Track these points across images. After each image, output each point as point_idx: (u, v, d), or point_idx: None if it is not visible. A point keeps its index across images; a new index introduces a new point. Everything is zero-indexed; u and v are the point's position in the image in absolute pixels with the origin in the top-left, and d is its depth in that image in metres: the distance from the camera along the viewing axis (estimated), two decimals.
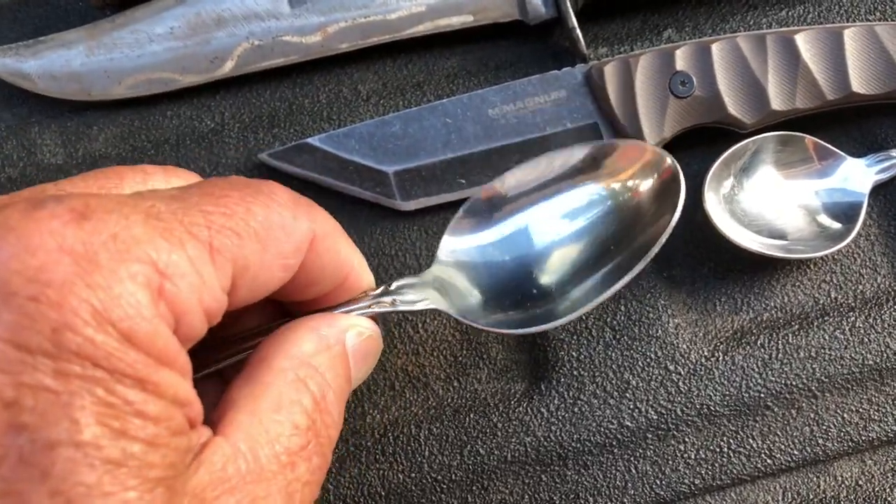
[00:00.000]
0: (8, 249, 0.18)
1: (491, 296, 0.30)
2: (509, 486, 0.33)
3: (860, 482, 0.33)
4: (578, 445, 0.33)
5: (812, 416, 0.34)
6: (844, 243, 0.34)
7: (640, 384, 0.34)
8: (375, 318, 0.28)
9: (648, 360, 0.34)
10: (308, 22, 0.36)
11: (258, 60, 0.37)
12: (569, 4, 0.36)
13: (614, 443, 0.33)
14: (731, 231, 0.33)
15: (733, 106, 0.35)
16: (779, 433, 0.33)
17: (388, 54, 0.38)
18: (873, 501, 0.33)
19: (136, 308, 0.18)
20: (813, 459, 0.33)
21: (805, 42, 0.35)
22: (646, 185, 0.30)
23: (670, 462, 0.33)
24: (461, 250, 0.30)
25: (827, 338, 0.34)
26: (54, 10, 0.38)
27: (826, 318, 0.35)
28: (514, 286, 0.30)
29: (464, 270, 0.30)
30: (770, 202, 0.35)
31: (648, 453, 0.33)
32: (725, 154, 0.34)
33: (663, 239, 0.28)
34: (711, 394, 0.34)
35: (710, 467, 0.33)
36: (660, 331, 0.34)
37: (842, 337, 0.34)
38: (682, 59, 0.35)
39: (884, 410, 0.34)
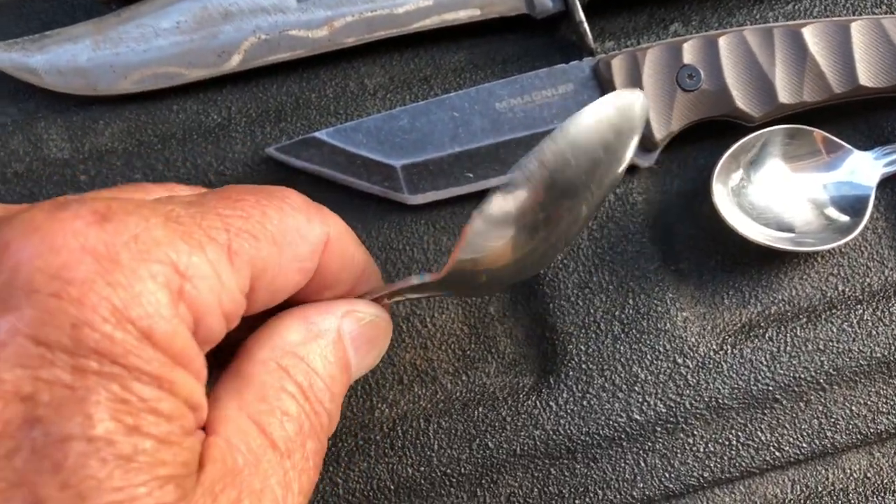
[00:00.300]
0: (32, 248, 0.18)
1: None
2: (518, 480, 0.33)
3: (869, 474, 0.33)
4: (587, 439, 0.33)
5: (820, 408, 0.34)
6: (852, 236, 0.34)
7: (649, 377, 0.34)
8: (382, 301, 0.28)
9: (657, 353, 0.34)
10: (315, 16, 0.36)
11: (265, 55, 0.37)
12: None
13: (623, 436, 0.33)
14: (740, 224, 0.33)
15: (741, 99, 0.35)
16: (787, 426, 0.33)
17: (395, 48, 0.38)
18: (882, 493, 0.33)
19: (156, 307, 0.19)
20: (821, 452, 0.33)
21: (812, 35, 0.35)
22: None
23: (679, 455, 0.33)
24: None
25: (835, 331, 0.34)
26: (60, 5, 0.38)
27: (834, 310, 0.35)
28: None
29: None
30: (778, 195, 0.35)
31: (657, 446, 0.33)
32: (734, 147, 0.34)
33: None
34: (720, 387, 0.34)
35: (719, 460, 0.33)
36: (668, 324, 0.34)
37: (850, 330, 0.34)
38: (689, 52, 0.35)
39: (892, 403, 0.34)
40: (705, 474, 0.33)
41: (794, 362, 0.34)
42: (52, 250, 0.18)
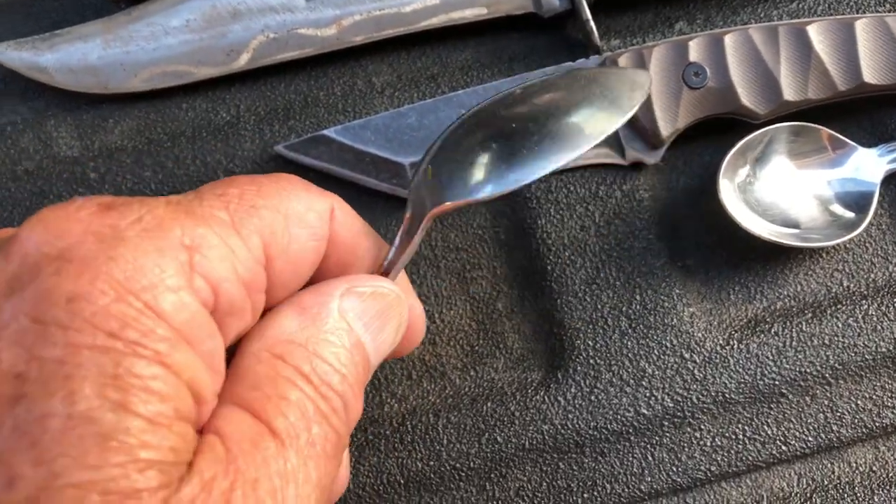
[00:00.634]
0: (38, 236, 0.18)
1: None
2: (527, 474, 0.33)
3: (874, 468, 0.34)
4: (595, 433, 0.33)
5: (826, 403, 0.34)
6: (856, 232, 0.34)
7: (656, 372, 0.34)
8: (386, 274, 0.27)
9: (664, 348, 0.34)
10: (323, 15, 0.37)
11: (274, 53, 0.37)
12: None
13: (631, 430, 0.34)
14: (746, 220, 0.34)
15: (746, 97, 0.35)
16: (793, 420, 0.34)
17: (403, 47, 0.38)
18: (888, 487, 0.33)
19: (160, 278, 0.18)
20: (827, 446, 0.34)
21: (817, 33, 0.35)
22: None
23: (686, 449, 0.33)
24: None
25: (840, 326, 0.35)
26: (70, 4, 0.38)
27: (839, 306, 0.35)
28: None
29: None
30: (783, 191, 0.35)
31: (665, 440, 0.33)
32: (740, 144, 0.34)
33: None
34: (727, 381, 0.34)
35: (725, 454, 0.33)
36: (675, 319, 0.35)
37: (855, 325, 0.35)
38: (695, 50, 0.35)
39: None
40: (712, 468, 0.33)
41: (799, 357, 0.34)
42: (56, 236, 0.18)
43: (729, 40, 0.35)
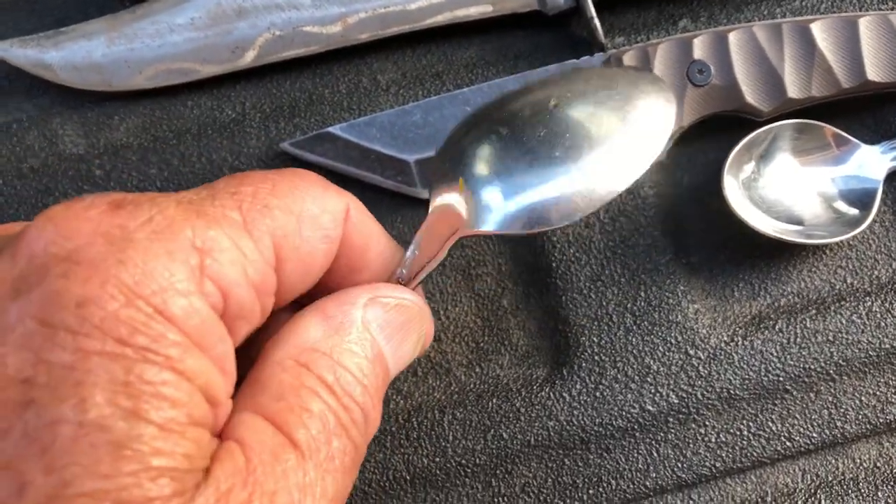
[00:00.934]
0: (46, 236, 0.18)
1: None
2: (532, 470, 0.33)
3: (878, 464, 0.34)
4: (600, 429, 0.34)
5: (830, 399, 0.34)
6: (860, 229, 0.34)
7: (661, 369, 0.34)
8: (412, 285, 0.27)
9: (669, 345, 0.34)
10: (328, 12, 0.37)
11: (279, 51, 0.37)
12: None
13: (636, 427, 0.34)
14: (750, 217, 0.34)
15: (750, 94, 0.35)
16: (798, 416, 0.34)
17: (408, 44, 0.38)
18: (891, 483, 0.33)
19: (170, 282, 0.18)
20: (831, 442, 0.34)
21: (820, 31, 0.36)
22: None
23: (691, 445, 0.34)
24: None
25: (844, 322, 0.35)
26: (73, 2, 0.38)
27: (843, 302, 0.35)
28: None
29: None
30: (787, 188, 0.35)
31: (670, 437, 0.34)
32: (744, 141, 0.35)
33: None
34: (731, 378, 0.34)
35: (730, 450, 0.33)
36: (679, 316, 0.35)
37: (858, 321, 0.35)
38: (699, 47, 0.35)
39: None
40: (717, 464, 0.33)
41: (803, 353, 0.34)
42: (65, 237, 0.18)
43: (733, 38, 0.35)
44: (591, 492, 0.33)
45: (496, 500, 0.33)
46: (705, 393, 0.34)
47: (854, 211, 0.35)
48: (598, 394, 0.34)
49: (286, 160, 0.36)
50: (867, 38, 0.36)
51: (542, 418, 0.34)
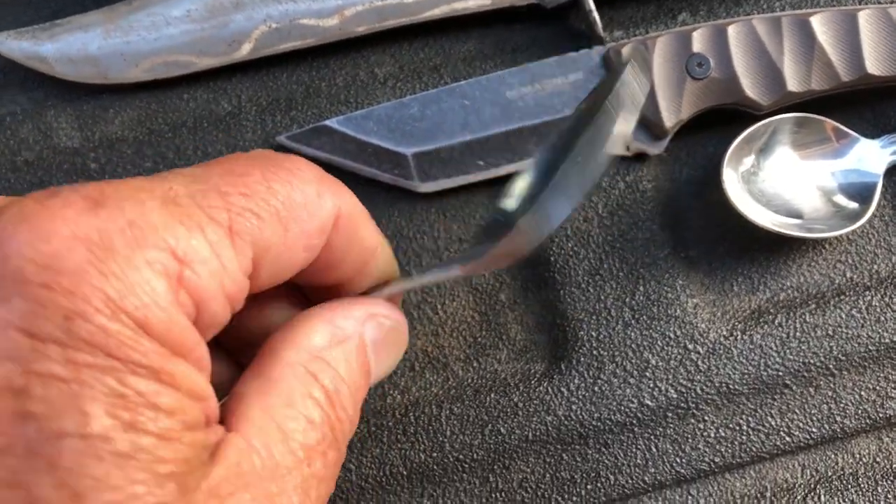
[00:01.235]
0: (21, 237, 0.17)
1: None
2: (530, 465, 0.33)
3: (878, 459, 0.34)
4: (599, 424, 0.33)
5: (830, 393, 0.34)
6: (860, 223, 0.34)
7: (660, 363, 0.34)
8: (397, 302, 0.28)
9: (667, 339, 0.34)
10: (325, 5, 0.36)
11: (276, 43, 0.37)
12: None
13: (634, 421, 0.33)
14: (749, 210, 0.34)
15: (750, 87, 0.35)
16: (797, 411, 0.34)
17: (405, 37, 0.38)
18: (891, 478, 0.33)
19: (152, 296, 0.18)
20: (831, 437, 0.34)
21: (820, 24, 0.35)
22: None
23: (690, 440, 0.33)
24: None
25: (843, 317, 0.35)
26: None
27: (842, 297, 0.35)
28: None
29: None
30: (787, 182, 0.35)
31: (668, 432, 0.33)
32: (743, 134, 0.34)
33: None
34: (730, 372, 0.34)
35: (729, 445, 0.33)
36: (678, 310, 0.34)
37: (858, 316, 0.35)
38: (698, 40, 0.35)
39: None
40: (716, 459, 0.33)
41: (803, 348, 0.34)
42: (41, 239, 0.17)
43: (732, 31, 0.35)
44: (589, 487, 0.33)
45: (494, 495, 0.33)
46: (704, 388, 0.34)
47: (854, 205, 0.35)
48: (596, 388, 0.34)
49: (282, 153, 0.36)
50: (867, 32, 0.35)
51: (539, 413, 0.33)
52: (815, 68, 0.35)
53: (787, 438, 0.33)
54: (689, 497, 0.33)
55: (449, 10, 0.37)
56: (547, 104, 0.35)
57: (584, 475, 0.33)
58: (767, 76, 0.35)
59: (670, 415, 0.33)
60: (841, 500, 0.33)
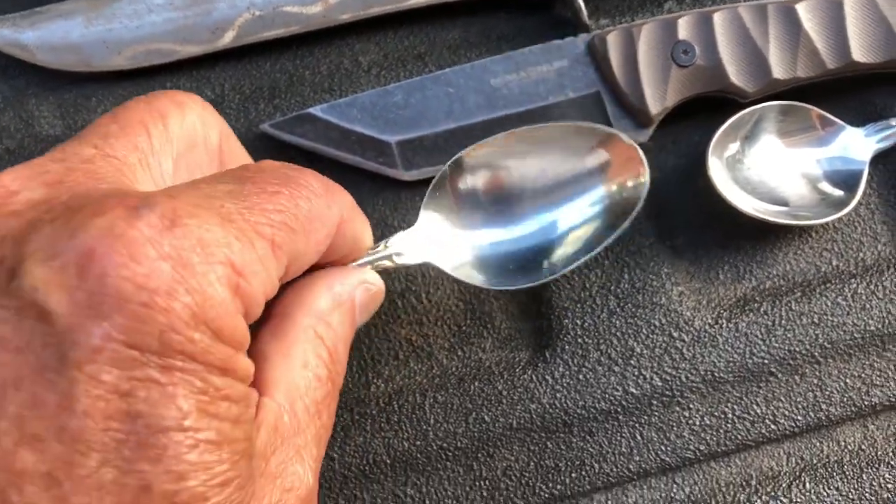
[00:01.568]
0: (117, 258, 0.20)
1: (484, 260, 0.31)
2: (515, 453, 0.33)
3: (863, 447, 0.33)
4: (583, 412, 0.33)
5: (815, 381, 0.34)
6: (846, 211, 0.34)
7: (645, 351, 0.34)
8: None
9: (652, 327, 0.34)
10: None
11: (259, 31, 0.36)
12: None
13: (619, 409, 0.33)
14: (735, 198, 0.34)
15: (735, 75, 0.35)
16: (782, 399, 0.34)
17: (390, 25, 0.37)
18: (876, 466, 0.33)
19: (224, 307, 0.21)
20: (816, 425, 0.33)
21: (806, 11, 0.35)
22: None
23: (675, 428, 0.33)
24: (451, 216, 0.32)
25: (829, 305, 0.34)
26: None
27: (828, 285, 0.35)
28: (504, 251, 0.32)
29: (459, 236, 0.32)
30: (772, 170, 0.35)
31: (653, 420, 0.33)
32: (729, 122, 0.34)
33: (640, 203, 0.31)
34: (715, 360, 0.34)
35: (714, 433, 0.33)
36: (663, 298, 0.34)
37: (843, 304, 0.34)
38: (684, 28, 0.35)
39: (886, 376, 0.34)
40: (701, 447, 0.33)
41: (788, 336, 0.34)
42: (134, 260, 0.20)
43: (718, 18, 0.35)
44: (573, 475, 0.33)
45: (478, 483, 0.33)
46: (689, 376, 0.34)
47: (839, 192, 0.35)
48: (581, 377, 0.33)
49: (266, 142, 0.35)
50: (852, 19, 0.35)
51: (524, 401, 0.33)
52: (801, 55, 0.35)
53: (773, 426, 0.33)
54: (674, 485, 0.33)
55: None
56: (532, 92, 0.35)
57: (569, 463, 0.33)
58: (753, 63, 0.35)
59: (655, 403, 0.33)
60: (826, 488, 0.33)
